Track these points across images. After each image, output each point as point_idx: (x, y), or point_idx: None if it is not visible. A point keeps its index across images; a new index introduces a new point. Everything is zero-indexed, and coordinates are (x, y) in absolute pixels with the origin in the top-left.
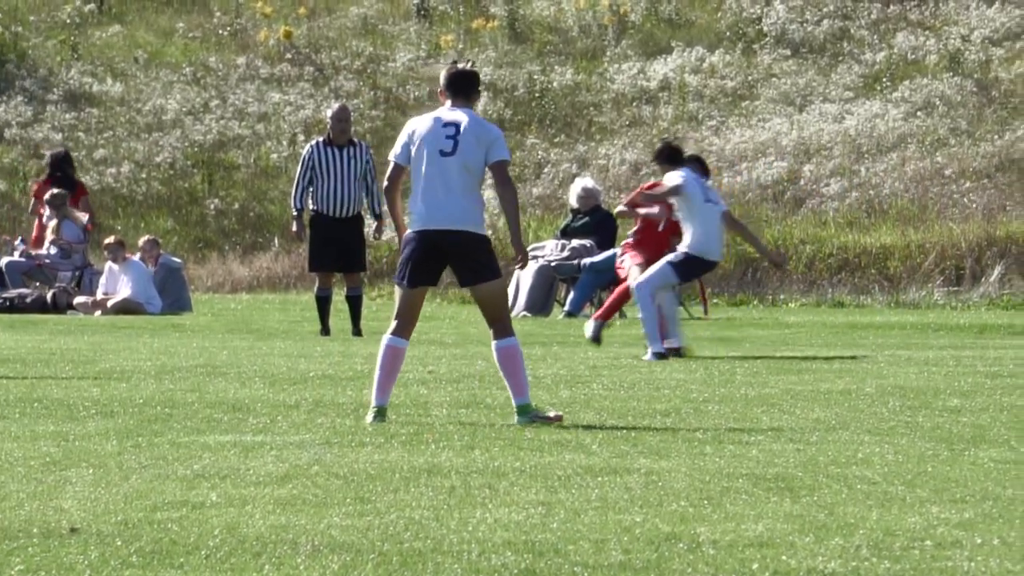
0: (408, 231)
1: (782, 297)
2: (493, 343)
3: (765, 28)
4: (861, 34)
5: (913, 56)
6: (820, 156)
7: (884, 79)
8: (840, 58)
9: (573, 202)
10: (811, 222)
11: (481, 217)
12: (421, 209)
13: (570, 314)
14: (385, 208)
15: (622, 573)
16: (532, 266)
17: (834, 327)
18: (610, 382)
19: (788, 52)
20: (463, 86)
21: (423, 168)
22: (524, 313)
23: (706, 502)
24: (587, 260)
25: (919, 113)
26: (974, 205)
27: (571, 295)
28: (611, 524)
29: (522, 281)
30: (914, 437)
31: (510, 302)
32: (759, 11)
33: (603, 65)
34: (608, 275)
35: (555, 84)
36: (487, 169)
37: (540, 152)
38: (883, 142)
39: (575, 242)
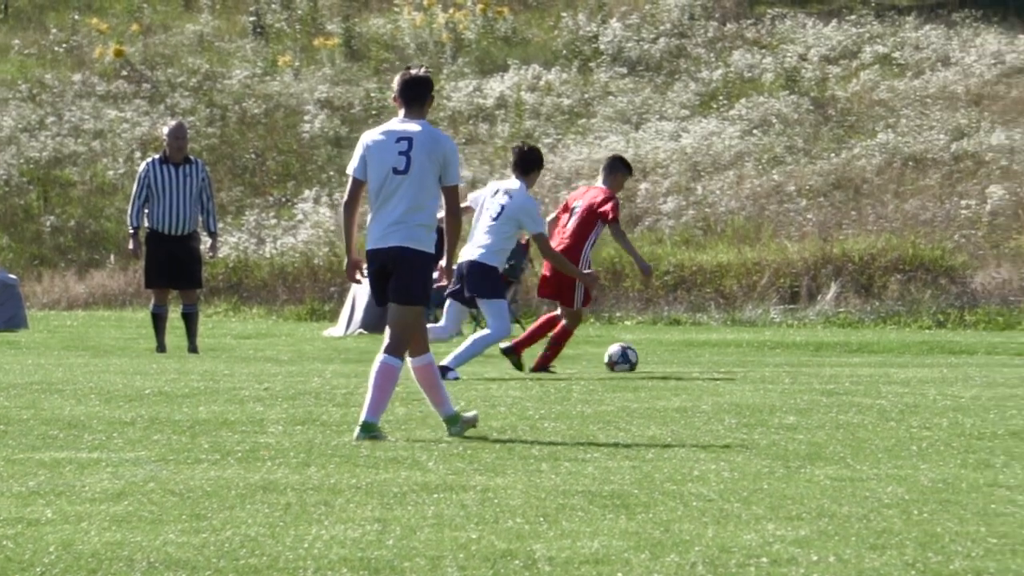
0: (366, 249)
1: (619, 315)
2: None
3: (601, 46)
4: (697, 52)
5: (750, 74)
6: (656, 174)
7: (720, 97)
8: (676, 76)
9: None
10: (647, 240)
11: (428, 235)
12: (375, 228)
13: None
14: (220, 226)
15: None
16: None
17: (670, 345)
18: None
19: (624, 70)
20: (416, 93)
21: (377, 186)
22: (360, 331)
23: (542, 519)
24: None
25: (755, 131)
26: (810, 223)
27: None
28: (447, 541)
29: (358, 299)
30: (750, 455)
31: (346, 319)
32: (595, 29)
33: (439, 83)
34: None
35: (392, 101)
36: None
37: None
38: (719, 160)
39: None
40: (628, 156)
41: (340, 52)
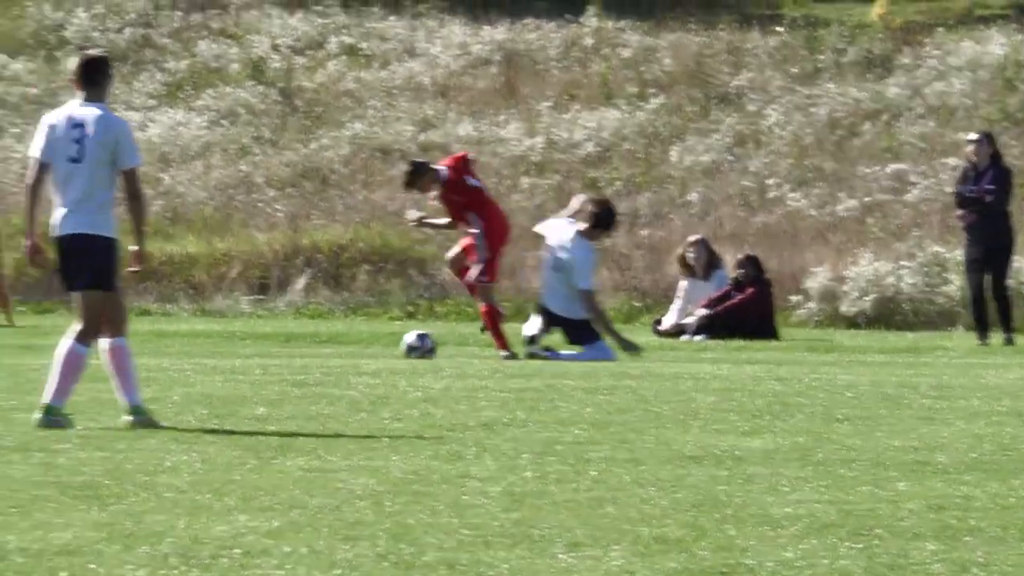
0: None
1: None
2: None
3: (68, 35)
4: (163, 42)
5: (216, 64)
6: None
7: (187, 87)
8: (142, 66)
9: None
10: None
11: (107, 221)
12: (56, 216)
13: None
14: None
15: None
16: None
17: (140, 335)
18: None
19: None
20: (92, 74)
21: (56, 173)
22: None
23: (14, 510)
24: None
25: (223, 121)
26: (279, 214)
27: None
28: None
29: None
30: (222, 446)
31: None
32: (61, 18)
33: None
34: None
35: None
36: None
37: None
38: (187, 150)
39: None
40: None
41: None
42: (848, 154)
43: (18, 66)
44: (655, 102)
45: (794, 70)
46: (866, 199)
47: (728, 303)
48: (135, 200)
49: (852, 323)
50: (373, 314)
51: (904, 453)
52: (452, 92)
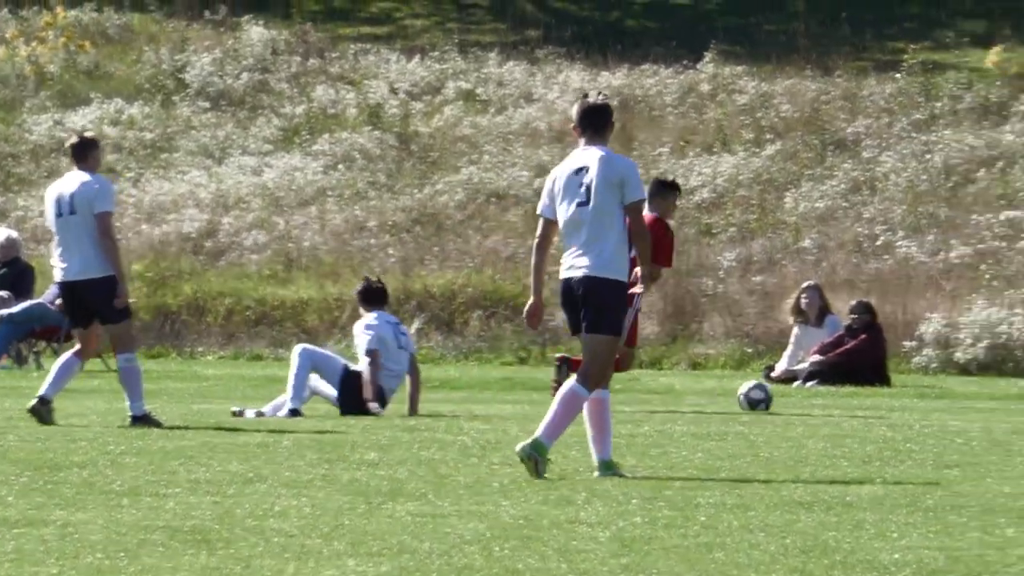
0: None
1: (200, 350)
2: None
3: (186, 80)
4: (281, 87)
5: (333, 110)
6: (239, 209)
7: (303, 132)
8: (259, 111)
9: None
10: (230, 275)
11: (614, 263)
12: (565, 258)
13: None
14: None
15: None
16: None
17: (252, 380)
18: (27, 433)
19: (208, 104)
20: (594, 120)
21: (564, 220)
22: None
23: (123, 554)
24: (4, 311)
25: (339, 166)
26: (392, 259)
27: None
28: None
29: None
30: (331, 490)
31: None
32: (179, 63)
33: (21, 116)
34: (26, 326)
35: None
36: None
37: None
38: (302, 195)
39: None
40: (210, 191)
41: None
42: (962, 201)
43: (134, 110)
44: (771, 148)
45: (912, 116)
46: (979, 246)
47: (841, 349)
48: (639, 237)
49: (964, 370)
50: (485, 359)
51: (1014, 500)
52: (569, 138)
